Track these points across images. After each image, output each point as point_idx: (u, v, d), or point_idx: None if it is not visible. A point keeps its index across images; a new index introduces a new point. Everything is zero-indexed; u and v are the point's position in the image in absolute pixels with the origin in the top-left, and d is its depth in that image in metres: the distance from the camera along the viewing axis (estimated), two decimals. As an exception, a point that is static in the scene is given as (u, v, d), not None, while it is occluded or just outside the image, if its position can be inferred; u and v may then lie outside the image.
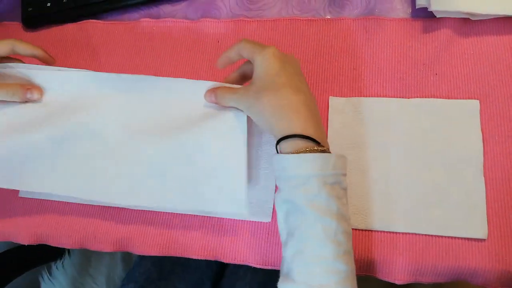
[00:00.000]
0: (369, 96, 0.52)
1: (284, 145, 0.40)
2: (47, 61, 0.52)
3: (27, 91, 0.48)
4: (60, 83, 0.50)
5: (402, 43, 0.54)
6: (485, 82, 0.50)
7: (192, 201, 0.46)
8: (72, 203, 0.54)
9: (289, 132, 0.40)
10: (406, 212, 0.46)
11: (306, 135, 0.39)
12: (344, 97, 0.52)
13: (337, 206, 0.38)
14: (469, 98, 0.50)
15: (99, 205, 0.53)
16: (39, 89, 0.49)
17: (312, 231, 0.37)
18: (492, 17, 0.52)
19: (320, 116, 0.43)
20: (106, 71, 0.59)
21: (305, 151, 0.39)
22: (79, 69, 0.50)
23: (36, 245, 0.54)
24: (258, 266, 0.48)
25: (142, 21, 0.62)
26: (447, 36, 0.53)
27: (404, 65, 0.53)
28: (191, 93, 0.47)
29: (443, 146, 0.48)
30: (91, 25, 0.63)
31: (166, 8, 0.63)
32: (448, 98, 0.50)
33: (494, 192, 0.46)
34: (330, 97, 0.53)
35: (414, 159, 0.48)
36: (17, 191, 0.56)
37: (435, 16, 0.53)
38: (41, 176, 0.49)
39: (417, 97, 0.51)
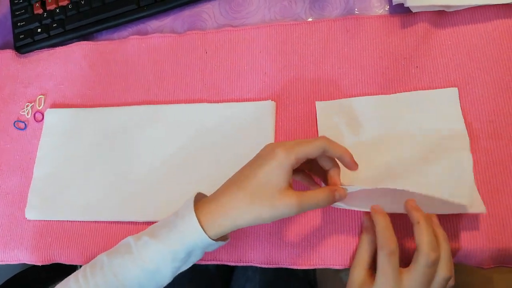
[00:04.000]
0: (355, 95, 0.54)
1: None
2: (350, 166, 0.45)
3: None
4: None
5: (382, 39, 0.56)
6: (463, 70, 0.52)
7: None
8: (78, 221, 0.56)
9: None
10: (401, 202, 0.48)
11: None
12: (331, 98, 0.54)
13: None
14: (449, 87, 0.52)
15: (108, 221, 0.55)
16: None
17: None
18: (466, 7, 0.54)
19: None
20: (100, 91, 0.62)
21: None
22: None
23: (50, 264, 0.56)
24: (263, 266, 0.50)
25: (131, 39, 0.63)
26: (424, 29, 0.54)
27: (386, 61, 0.55)
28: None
29: (430, 135, 0.50)
30: (82, 46, 0.65)
31: (153, 24, 0.65)
32: (430, 89, 0.52)
33: (482, 176, 0.48)
34: (316, 102, 0.54)
35: (404, 151, 0.50)
36: (23, 214, 0.58)
37: (412, 11, 0.55)
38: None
39: (400, 91, 0.53)
